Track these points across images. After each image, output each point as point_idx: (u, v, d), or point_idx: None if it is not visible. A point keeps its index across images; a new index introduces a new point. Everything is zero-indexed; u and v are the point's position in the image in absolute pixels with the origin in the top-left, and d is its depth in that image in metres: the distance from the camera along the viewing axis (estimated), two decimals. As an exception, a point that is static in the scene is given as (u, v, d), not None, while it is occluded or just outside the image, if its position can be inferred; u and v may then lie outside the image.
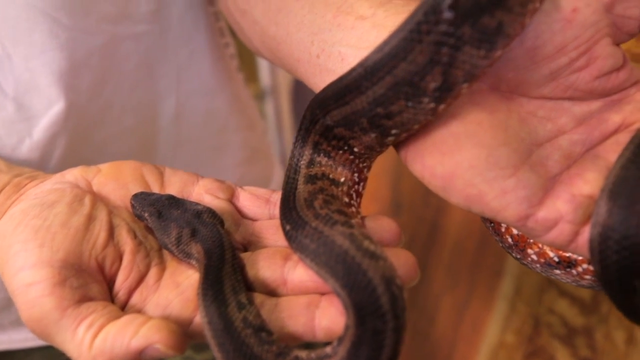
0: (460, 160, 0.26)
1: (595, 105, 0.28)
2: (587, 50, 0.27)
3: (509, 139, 0.27)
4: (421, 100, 0.25)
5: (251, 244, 0.32)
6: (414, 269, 0.27)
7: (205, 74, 0.53)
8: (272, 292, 0.29)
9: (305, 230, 0.27)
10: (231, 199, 0.34)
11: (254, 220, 0.33)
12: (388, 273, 0.25)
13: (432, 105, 0.26)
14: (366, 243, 0.26)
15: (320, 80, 0.32)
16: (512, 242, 0.31)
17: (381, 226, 0.29)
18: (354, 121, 0.27)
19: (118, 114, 0.47)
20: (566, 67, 0.27)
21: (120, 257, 0.30)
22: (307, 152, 0.30)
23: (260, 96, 1.26)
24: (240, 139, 0.56)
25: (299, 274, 0.28)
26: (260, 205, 0.33)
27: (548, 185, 0.26)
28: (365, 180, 0.31)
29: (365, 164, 0.30)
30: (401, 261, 0.27)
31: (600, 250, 0.24)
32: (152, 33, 0.48)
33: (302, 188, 0.29)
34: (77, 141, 0.45)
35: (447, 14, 0.24)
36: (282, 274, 0.29)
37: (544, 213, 0.26)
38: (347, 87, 0.26)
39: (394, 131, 0.27)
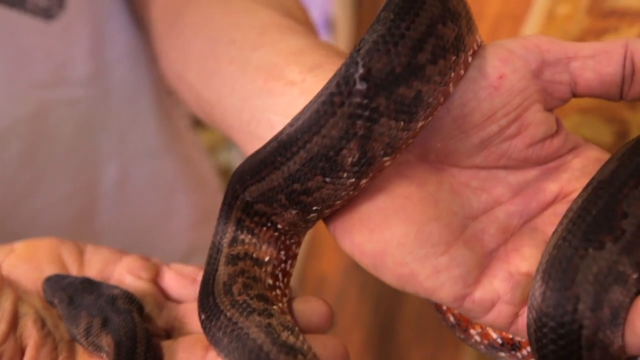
0: (389, 237, 0.24)
1: (531, 174, 0.27)
2: (518, 118, 0.25)
3: (440, 213, 0.25)
4: (340, 176, 0.24)
5: (174, 330, 0.29)
6: (344, 359, 0.25)
7: (150, 136, 0.51)
8: None
9: (219, 322, 0.25)
10: (155, 279, 0.31)
11: (179, 302, 0.31)
12: None
13: (352, 180, 0.24)
14: (285, 335, 0.23)
15: (251, 147, 0.30)
16: (454, 322, 0.29)
17: (310, 309, 0.27)
18: (272, 198, 0.25)
19: (52, 182, 0.45)
20: (497, 136, 0.26)
21: (22, 352, 0.27)
22: (230, 230, 0.28)
23: (228, 146, 1.25)
24: (190, 202, 0.54)
25: None
26: (186, 285, 0.31)
27: (484, 262, 0.25)
28: (294, 257, 0.28)
29: (292, 241, 0.28)
30: (329, 352, 0.25)
31: (537, 338, 0.22)
32: (90, 97, 0.46)
33: (222, 270, 0.27)
34: (4, 214, 0.42)
35: (360, 86, 0.22)
36: None
37: (481, 293, 0.24)
38: (262, 162, 0.25)
39: (315, 207, 0.25)
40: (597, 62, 0.25)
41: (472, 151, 0.26)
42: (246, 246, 0.27)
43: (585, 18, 0.47)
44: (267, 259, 0.27)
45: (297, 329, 0.25)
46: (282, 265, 0.28)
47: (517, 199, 0.26)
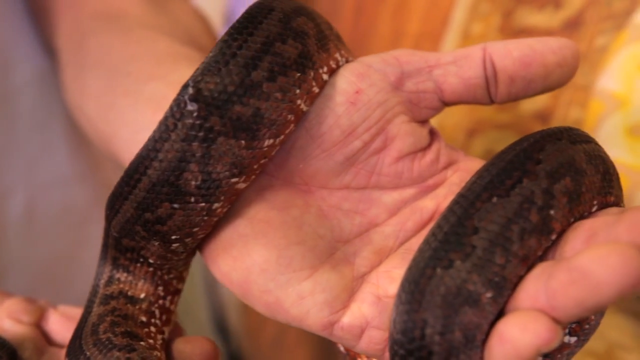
0: (250, 265, 0.23)
1: (408, 192, 0.26)
2: (380, 131, 0.25)
3: (304, 236, 0.24)
4: (188, 200, 0.23)
5: None
6: None
7: (62, 165, 0.49)
8: None
9: None
10: (39, 322, 0.29)
11: (62, 346, 0.29)
12: None
13: (202, 204, 0.23)
14: None
15: None
16: (344, 352, 0.28)
17: (191, 349, 0.25)
18: (131, 230, 0.24)
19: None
20: (362, 151, 0.25)
21: None
22: (107, 270, 0.27)
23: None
24: (106, 231, 0.52)
25: None
26: (71, 328, 0.28)
27: (355, 286, 0.24)
28: (175, 293, 0.27)
29: (171, 276, 0.27)
30: None
31: None
32: (-6, 125, 0.44)
33: (94, 311, 0.26)
34: None
35: (191, 107, 0.22)
36: None
37: (349, 319, 0.23)
38: (114, 195, 0.24)
39: (174, 237, 0.24)
40: (458, 67, 0.25)
41: (338, 170, 0.25)
42: (121, 285, 0.26)
43: (498, 36, 0.48)
44: (142, 295, 0.26)
45: None
46: (160, 301, 0.27)
47: (394, 219, 0.25)
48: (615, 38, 0.42)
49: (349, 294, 0.23)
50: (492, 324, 0.19)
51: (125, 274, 0.26)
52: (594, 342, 0.42)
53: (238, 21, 0.23)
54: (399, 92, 0.25)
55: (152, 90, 0.30)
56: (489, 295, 0.19)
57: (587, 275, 0.16)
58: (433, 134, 0.27)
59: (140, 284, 0.26)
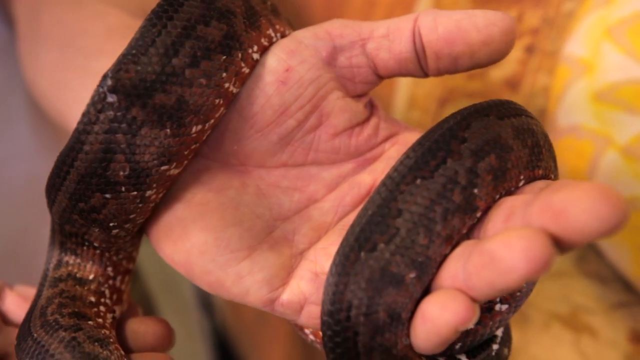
0: (190, 247, 0.23)
1: (346, 167, 0.25)
2: (315, 109, 0.24)
3: (241, 217, 0.24)
4: (118, 190, 0.23)
5: (8, 355, 0.27)
6: None
7: (24, 137, 0.48)
8: None
9: (26, 344, 0.23)
10: None
11: (18, 326, 0.28)
12: None
13: (134, 193, 0.23)
14: (89, 347, 0.22)
15: None
16: (294, 324, 0.28)
17: (144, 330, 0.25)
18: (69, 219, 0.24)
19: None
20: (297, 130, 0.24)
21: None
22: (56, 254, 0.26)
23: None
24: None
25: None
26: (26, 308, 0.28)
27: (293, 264, 0.24)
28: (125, 273, 0.27)
29: (120, 256, 0.27)
30: None
31: (324, 344, 0.20)
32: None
33: (44, 294, 0.25)
34: None
35: (111, 98, 0.21)
36: None
37: (288, 296, 0.23)
38: (48, 185, 0.24)
39: (112, 224, 0.24)
40: (390, 41, 0.24)
41: (274, 149, 0.25)
42: (69, 267, 0.26)
43: (468, 3, 0.48)
44: (91, 277, 0.26)
45: (110, 341, 0.24)
46: (110, 281, 0.26)
47: (332, 195, 0.25)
48: (582, 3, 0.42)
49: (288, 271, 0.24)
50: (420, 300, 0.20)
51: (73, 257, 0.26)
52: (559, 306, 0.43)
53: (159, 4, 0.22)
54: (331, 67, 0.24)
55: (101, 66, 0.28)
56: (412, 275, 0.19)
57: (497, 260, 0.17)
58: (372, 107, 0.26)
59: (88, 265, 0.26)
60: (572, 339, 0.43)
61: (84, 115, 0.22)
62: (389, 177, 0.20)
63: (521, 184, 0.21)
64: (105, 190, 0.22)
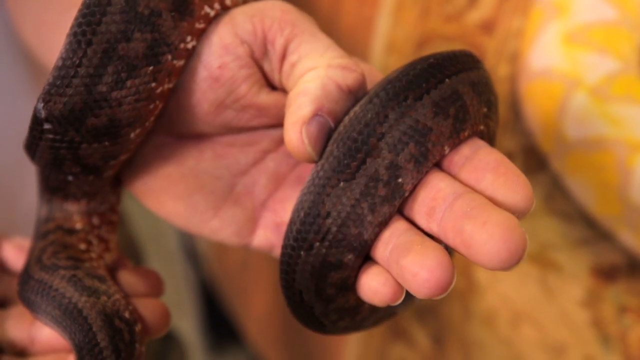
0: (167, 213, 0.26)
1: None
2: (250, 105, 0.24)
3: (202, 183, 0.26)
4: (75, 178, 0.25)
5: (8, 301, 0.28)
6: (162, 316, 0.25)
7: (6, 75, 0.48)
8: (21, 353, 0.26)
9: (29, 286, 0.25)
10: None
11: (16, 275, 0.29)
12: (110, 308, 0.23)
13: (91, 177, 0.25)
14: (89, 282, 0.24)
15: None
16: None
17: (135, 279, 0.27)
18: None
19: None
20: (237, 119, 0.24)
21: None
22: (44, 209, 0.28)
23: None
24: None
25: (46, 333, 0.26)
26: (24, 258, 0.29)
27: (257, 214, 0.26)
28: (110, 223, 0.28)
29: (104, 207, 0.28)
30: (148, 309, 0.25)
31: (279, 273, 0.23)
32: None
33: (37, 247, 0.27)
34: None
35: (47, 125, 0.22)
36: (29, 333, 0.26)
37: (257, 242, 0.26)
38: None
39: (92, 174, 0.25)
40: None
41: (221, 131, 0.25)
42: (57, 220, 0.27)
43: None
44: (78, 226, 0.27)
45: (106, 277, 0.25)
46: (96, 231, 0.27)
47: (284, 147, 0.26)
48: (557, -56, 0.42)
49: (253, 222, 0.26)
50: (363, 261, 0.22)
51: (59, 211, 0.27)
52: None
53: (77, 23, 0.21)
54: (264, 63, 0.24)
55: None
56: (350, 256, 0.21)
57: (410, 278, 0.19)
58: None
59: (75, 217, 0.27)
60: (538, 275, 0.44)
61: (29, 131, 0.22)
62: (315, 177, 0.21)
63: (447, 152, 0.21)
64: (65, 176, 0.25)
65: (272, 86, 0.24)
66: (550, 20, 0.42)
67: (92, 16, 0.21)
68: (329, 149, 0.21)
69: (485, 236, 0.18)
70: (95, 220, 0.27)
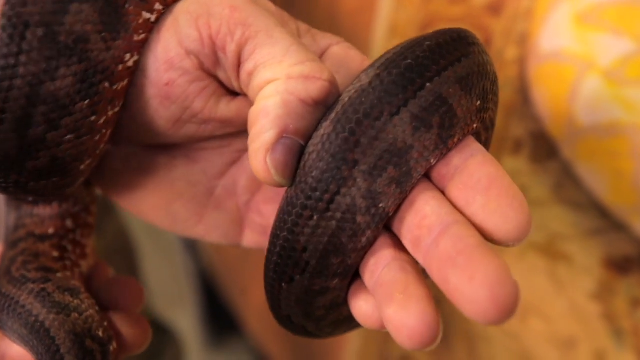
0: (151, 219, 0.25)
1: None
2: (210, 119, 0.22)
3: (179, 191, 0.24)
4: (35, 199, 0.23)
5: None
6: (142, 331, 0.24)
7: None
8: None
9: None
10: None
11: None
12: (81, 326, 0.21)
13: (52, 198, 0.24)
14: (59, 296, 0.22)
15: None
16: None
17: (115, 288, 0.25)
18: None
19: None
20: (200, 132, 0.22)
21: None
22: (13, 217, 0.26)
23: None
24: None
25: (16, 349, 0.24)
26: None
27: (242, 215, 0.25)
28: (85, 226, 0.26)
29: (78, 208, 0.26)
30: (127, 324, 0.23)
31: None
32: None
33: (6, 257, 0.25)
34: None
35: None
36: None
37: (247, 242, 0.25)
38: None
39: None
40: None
41: (188, 141, 0.23)
42: (27, 227, 0.25)
43: None
44: (51, 231, 0.25)
45: (81, 289, 0.23)
46: (71, 235, 0.25)
47: None
48: None
49: (239, 224, 0.25)
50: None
51: (30, 217, 0.25)
52: (535, 234, 0.43)
53: None
54: (217, 72, 0.21)
55: None
56: (335, 281, 0.20)
57: (394, 329, 0.17)
58: None
59: (47, 221, 0.25)
60: (547, 267, 0.43)
61: None
62: (288, 205, 0.19)
63: (433, 163, 0.18)
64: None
65: (233, 92, 0.22)
66: (561, 1, 0.40)
67: (7, 58, 0.18)
68: (300, 172, 0.18)
69: (471, 293, 0.16)
70: (69, 223, 0.25)
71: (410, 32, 0.48)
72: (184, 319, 1.02)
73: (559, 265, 0.42)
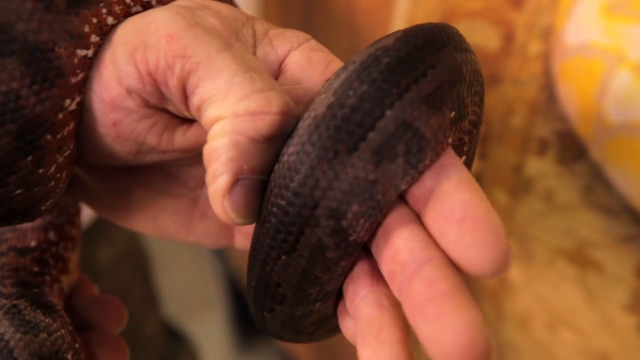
0: (145, 232, 0.25)
1: None
2: (168, 150, 0.21)
3: (162, 206, 0.24)
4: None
5: None
6: (118, 352, 0.23)
7: None
8: None
9: None
10: None
11: None
12: (48, 348, 0.20)
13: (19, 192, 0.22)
14: (30, 314, 0.21)
15: None
16: None
17: (95, 306, 0.24)
18: None
19: None
20: (164, 159, 0.21)
21: None
22: None
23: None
24: None
25: None
26: None
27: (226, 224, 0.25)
28: (69, 239, 0.25)
29: (61, 220, 0.25)
30: (103, 344, 0.23)
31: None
32: None
33: None
34: None
35: None
36: None
37: (239, 244, 0.25)
38: None
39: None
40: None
41: (157, 164, 0.22)
42: (10, 241, 0.25)
43: None
44: (33, 244, 0.24)
45: (56, 306, 0.22)
46: (54, 248, 0.25)
47: None
48: None
49: (228, 227, 0.24)
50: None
51: (12, 230, 0.24)
52: (564, 241, 0.40)
53: None
54: (166, 104, 0.20)
55: None
56: (318, 304, 0.19)
57: None
58: None
59: (29, 233, 0.24)
60: (577, 275, 0.40)
61: None
62: (256, 244, 0.18)
63: (404, 188, 0.17)
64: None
65: (188, 119, 0.20)
66: (588, -10, 0.37)
67: None
68: (264, 210, 0.17)
69: (441, 347, 0.15)
70: (52, 236, 0.25)
71: (429, 29, 0.46)
72: (212, 322, 1.02)
73: (589, 273, 0.39)
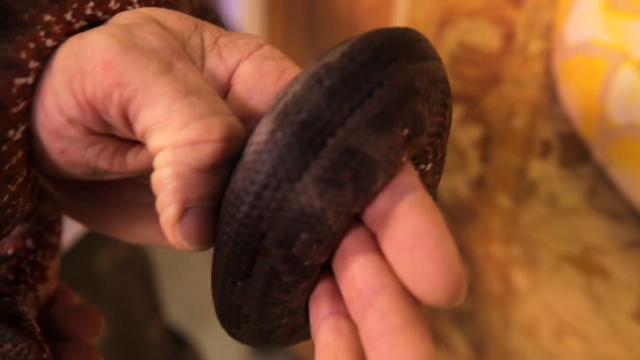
0: (128, 240, 0.24)
1: None
2: (122, 172, 0.20)
3: (137, 215, 0.23)
4: None
5: None
6: None
7: None
8: None
9: None
10: None
11: None
12: (13, 359, 0.20)
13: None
14: None
15: None
16: None
17: (72, 316, 0.24)
18: None
19: None
20: (122, 176, 0.21)
21: None
22: None
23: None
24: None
25: None
26: None
27: None
28: (48, 247, 0.24)
29: (40, 227, 0.24)
30: (76, 355, 0.22)
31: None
32: None
33: None
34: None
35: None
36: None
37: None
38: None
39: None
40: None
41: (119, 178, 0.22)
42: None
43: None
44: (10, 252, 0.24)
45: (25, 317, 0.22)
46: (31, 256, 0.24)
47: None
48: None
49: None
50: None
51: None
52: (569, 246, 0.39)
53: None
54: (115, 131, 0.19)
55: None
56: (285, 319, 0.19)
57: None
58: None
59: (6, 241, 0.24)
60: (583, 282, 0.39)
61: None
62: (214, 269, 0.17)
63: (357, 211, 0.16)
64: None
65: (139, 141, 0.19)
66: (588, -15, 0.36)
67: None
68: (218, 235, 0.17)
69: None
70: (30, 243, 0.24)
71: (429, 29, 0.45)
72: (221, 328, 1.02)
73: (595, 280, 0.38)
